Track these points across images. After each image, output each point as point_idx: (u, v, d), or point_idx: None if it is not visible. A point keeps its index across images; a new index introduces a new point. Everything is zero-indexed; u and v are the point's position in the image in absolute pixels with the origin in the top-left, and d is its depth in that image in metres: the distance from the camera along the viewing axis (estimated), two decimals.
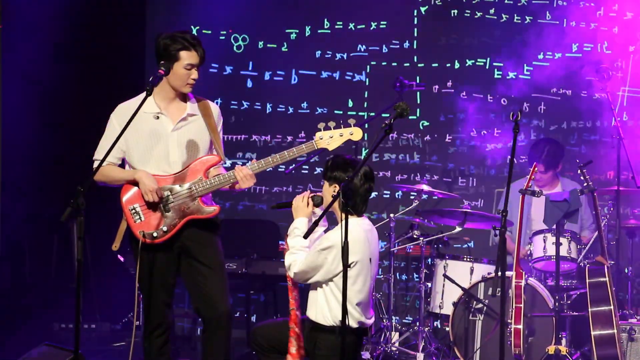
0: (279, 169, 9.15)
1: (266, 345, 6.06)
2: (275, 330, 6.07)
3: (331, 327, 5.88)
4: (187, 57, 5.87)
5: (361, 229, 5.97)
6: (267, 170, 6.08)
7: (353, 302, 5.92)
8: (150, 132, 5.93)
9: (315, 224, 5.63)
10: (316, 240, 6.04)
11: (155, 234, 5.89)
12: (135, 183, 5.90)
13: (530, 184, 7.38)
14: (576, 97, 9.58)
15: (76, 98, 9.74)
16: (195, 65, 5.90)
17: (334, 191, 5.95)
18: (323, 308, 5.93)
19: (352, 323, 5.93)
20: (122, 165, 6.07)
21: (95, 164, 5.88)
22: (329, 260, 5.85)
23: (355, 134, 5.97)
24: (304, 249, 5.94)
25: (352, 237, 5.75)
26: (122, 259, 8.78)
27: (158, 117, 5.95)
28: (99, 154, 5.92)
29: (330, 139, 5.95)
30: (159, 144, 5.93)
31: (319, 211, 6.11)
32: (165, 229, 5.89)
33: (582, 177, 7.44)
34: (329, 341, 5.87)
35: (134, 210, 5.91)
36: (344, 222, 5.47)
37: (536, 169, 7.67)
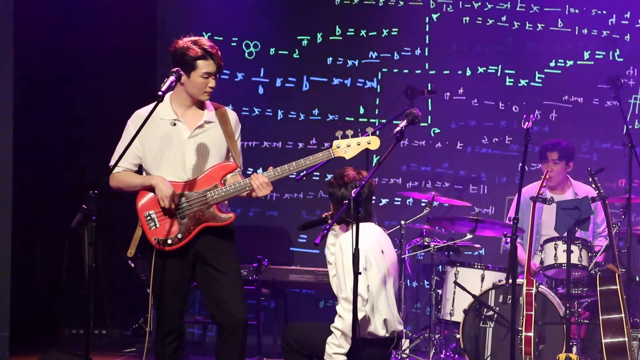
0: (290, 175, 9.15)
1: (295, 346, 6.08)
2: (307, 333, 6.07)
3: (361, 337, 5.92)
4: (205, 66, 5.84)
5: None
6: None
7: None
8: (165, 137, 5.93)
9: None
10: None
11: (169, 241, 5.88)
12: (151, 189, 5.90)
13: (541, 192, 7.37)
14: (588, 104, 9.58)
15: (89, 104, 9.76)
16: (212, 74, 5.88)
17: (331, 204, 6.24)
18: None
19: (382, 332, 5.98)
20: (139, 172, 6.07)
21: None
22: (346, 264, 5.88)
23: (373, 143, 5.91)
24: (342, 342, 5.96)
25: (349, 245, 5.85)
26: (132, 265, 8.78)
27: (175, 124, 5.94)
28: (114, 160, 5.89)
29: (347, 147, 5.91)
30: (172, 150, 5.92)
31: (336, 226, 6.20)
32: (180, 236, 5.88)
33: (593, 185, 7.42)
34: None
35: (149, 217, 5.90)
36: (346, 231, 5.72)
37: (547, 175, 7.67)
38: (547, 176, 7.73)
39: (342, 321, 5.86)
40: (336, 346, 5.87)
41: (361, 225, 5.97)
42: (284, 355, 6.20)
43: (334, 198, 6.23)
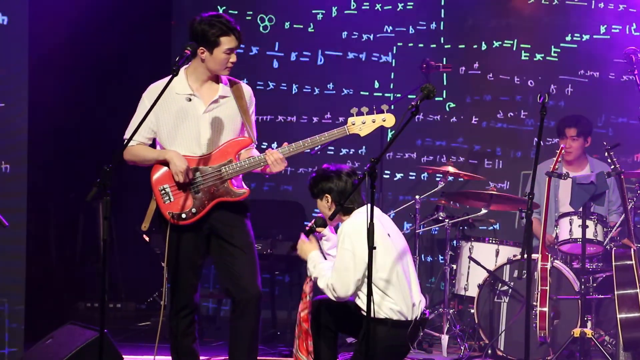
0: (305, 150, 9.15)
1: (323, 320, 6.09)
2: (337, 309, 6.07)
3: (384, 318, 5.90)
4: (227, 42, 5.81)
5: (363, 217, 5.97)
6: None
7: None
8: (179, 112, 5.92)
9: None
10: (331, 248, 6.20)
11: (183, 215, 5.89)
12: (165, 163, 5.89)
13: (557, 166, 7.35)
14: (604, 79, 9.53)
15: (103, 79, 9.76)
16: (234, 49, 5.86)
17: (328, 202, 6.08)
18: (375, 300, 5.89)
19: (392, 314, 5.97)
20: (153, 146, 6.06)
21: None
22: (356, 246, 5.84)
23: (388, 120, 5.90)
24: (327, 263, 5.99)
25: (360, 227, 5.78)
26: (147, 239, 8.80)
27: (190, 100, 5.92)
28: (129, 133, 5.90)
29: (362, 124, 5.90)
30: (187, 124, 5.91)
31: (327, 231, 6.18)
32: (194, 210, 5.89)
33: (609, 160, 7.39)
34: (381, 332, 5.86)
35: (163, 191, 5.90)
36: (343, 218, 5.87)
37: (563, 150, 7.63)
38: (563, 151, 7.69)
39: (327, 290, 5.91)
40: (329, 291, 5.92)
41: (358, 210, 5.96)
42: (310, 327, 6.19)
43: (335, 191, 6.06)
